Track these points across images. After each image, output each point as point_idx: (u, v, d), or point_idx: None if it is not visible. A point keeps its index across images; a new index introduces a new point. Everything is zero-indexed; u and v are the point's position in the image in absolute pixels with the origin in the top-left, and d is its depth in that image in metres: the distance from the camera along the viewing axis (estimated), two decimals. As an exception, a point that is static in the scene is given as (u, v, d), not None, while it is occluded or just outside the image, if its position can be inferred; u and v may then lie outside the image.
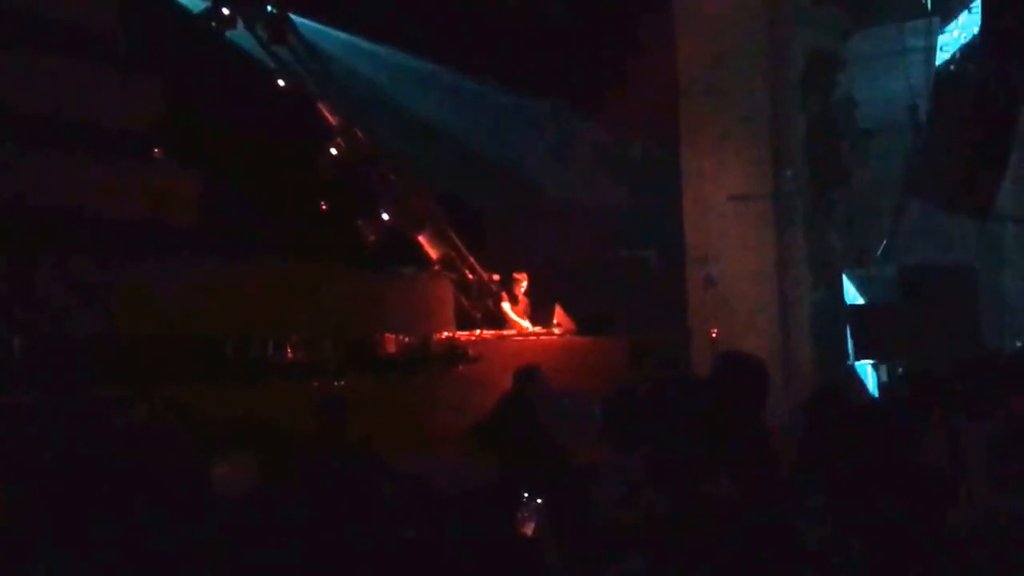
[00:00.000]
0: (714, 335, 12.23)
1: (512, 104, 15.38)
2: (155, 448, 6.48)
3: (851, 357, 12.04)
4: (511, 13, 14.34)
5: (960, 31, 11.82)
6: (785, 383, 11.75)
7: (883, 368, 11.65)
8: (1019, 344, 10.90)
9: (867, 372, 11.87)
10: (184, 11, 13.76)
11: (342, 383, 9.93)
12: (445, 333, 12.00)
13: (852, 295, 12.41)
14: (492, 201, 14.92)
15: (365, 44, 15.12)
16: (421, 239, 14.22)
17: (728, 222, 13.13)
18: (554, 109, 15.27)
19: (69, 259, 8.85)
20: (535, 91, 15.14)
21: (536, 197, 15.12)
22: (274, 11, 14.00)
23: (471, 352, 11.60)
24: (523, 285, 13.72)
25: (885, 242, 12.71)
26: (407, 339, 11.49)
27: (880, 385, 11.44)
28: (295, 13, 14.28)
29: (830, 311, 12.90)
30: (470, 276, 14.01)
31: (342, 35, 15.00)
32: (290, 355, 10.57)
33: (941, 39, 11.89)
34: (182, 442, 6.68)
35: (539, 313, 13.56)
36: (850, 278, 12.67)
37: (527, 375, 8.65)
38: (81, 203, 9.51)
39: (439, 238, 14.21)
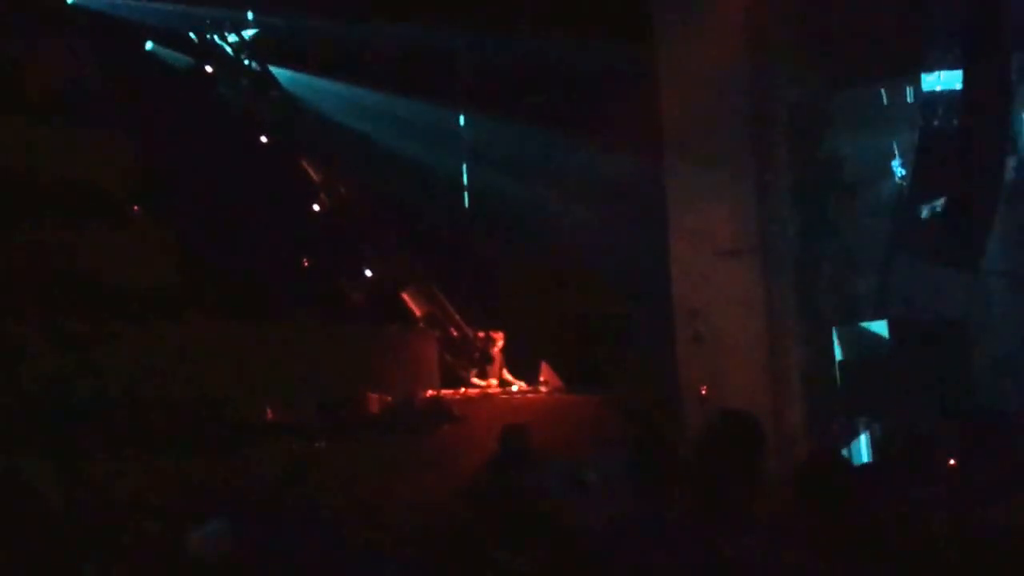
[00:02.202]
0: (704, 392, 12.07)
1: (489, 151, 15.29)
2: (131, 510, 6.32)
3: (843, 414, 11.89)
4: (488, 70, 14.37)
5: (943, 86, 11.84)
6: (775, 440, 11.56)
7: (876, 426, 11.49)
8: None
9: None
10: (166, 69, 13.72)
11: (325, 444, 9.75)
12: (430, 391, 11.84)
13: (842, 351, 12.26)
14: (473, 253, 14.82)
15: (349, 90, 15.00)
16: (405, 296, 14.08)
17: (716, 278, 13.02)
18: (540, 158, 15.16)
19: (44, 320, 8.70)
20: (515, 141, 15.10)
21: (522, 250, 15.01)
22: (255, 67, 13.96)
23: (456, 411, 11.44)
24: (499, 344, 13.51)
25: (874, 297, 12.60)
26: (391, 398, 11.32)
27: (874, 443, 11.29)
28: (278, 66, 14.24)
29: (820, 367, 12.76)
30: (455, 333, 13.84)
31: (325, 83, 14.90)
32: (271, 416, 10.39)
33: (925, 94, 11.90)
34: (158, 505, 6.50)
35: (525, 371, 13.40)
36: (840, 333, 12.55)
37: (514, 434, 8.49)
38: (57, 264, 9.39)
39: (423, 295, 14.08)
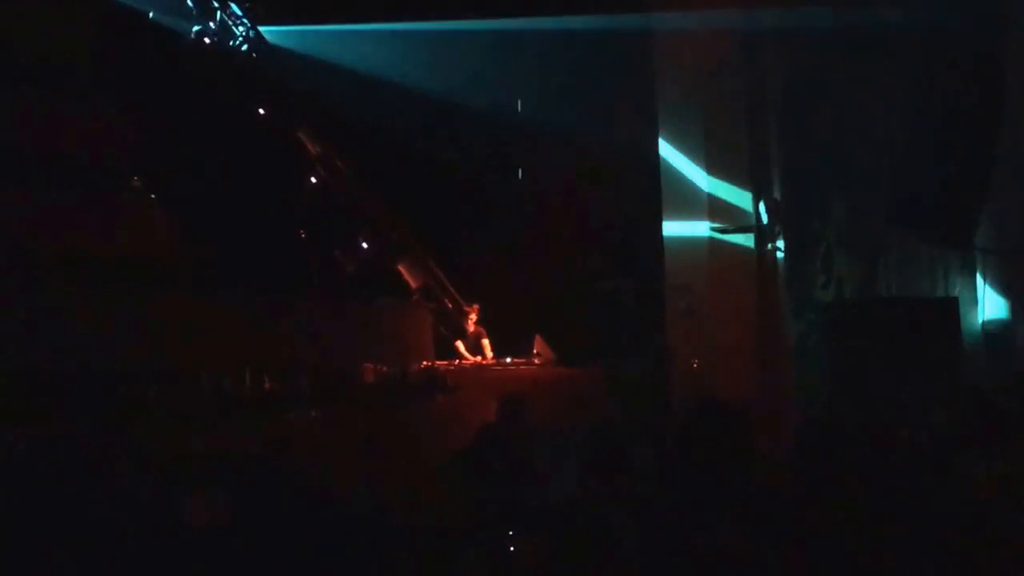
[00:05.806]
0: (695, 366, 12.18)
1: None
2: (126, 479, 6.40)
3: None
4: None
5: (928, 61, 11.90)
6: (764, 414, 11.67)
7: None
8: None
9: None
10: (164, 42, 13.68)
11: (320, 414, 9.83)
12: (424, 363, 11.92)
13: (833, 328, 12.36)
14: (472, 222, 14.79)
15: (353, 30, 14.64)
16: (400, 268, 14.15)
17: (707, 254, 13.13)
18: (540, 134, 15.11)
19: (44, 292, 8.75)
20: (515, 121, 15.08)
21: (515, 225, 15.04)
22: (251, 33, 13.98)
23: (451, 382, 11.53)
24: (472, 317, 13.58)
25: (867, 273, 12.70)
26: (386, 369, 11.41)
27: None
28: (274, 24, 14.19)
29: (811, 342, 12.87)
30: (449, 305, 13.93)
31: (326, 31, 14.61)
32: (268, 386, 10.47)
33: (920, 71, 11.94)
34: (154, 473, 6.58)
35: (519, 343, 13.48)
36: (831, 309, 12.65)
37: (509, 405, 8.59)
38: (57, 235, 9.44)
39: (418, 267, 14.14)
